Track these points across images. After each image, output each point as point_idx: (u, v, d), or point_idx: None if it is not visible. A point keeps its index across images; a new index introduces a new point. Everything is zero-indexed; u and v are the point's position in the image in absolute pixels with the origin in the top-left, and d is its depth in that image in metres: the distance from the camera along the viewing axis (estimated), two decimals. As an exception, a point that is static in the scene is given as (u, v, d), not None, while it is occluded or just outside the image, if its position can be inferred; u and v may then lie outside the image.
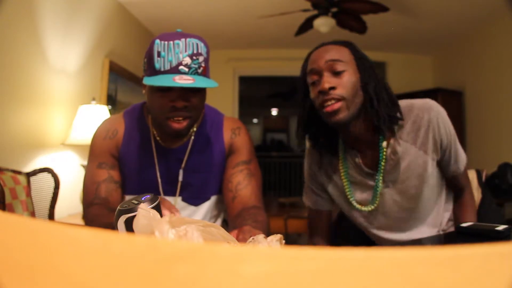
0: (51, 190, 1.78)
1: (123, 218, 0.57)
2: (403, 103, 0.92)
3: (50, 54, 2.11)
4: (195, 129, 1.01)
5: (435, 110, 0.89)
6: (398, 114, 0.88)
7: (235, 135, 1.03)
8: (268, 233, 0.78)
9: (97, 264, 0.16)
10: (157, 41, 0.84)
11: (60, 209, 1.91)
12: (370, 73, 0.87)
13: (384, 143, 0.90)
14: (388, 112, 0.86)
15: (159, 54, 0.83)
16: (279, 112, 10.36)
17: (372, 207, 0.95)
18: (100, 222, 0.83)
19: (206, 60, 0.87)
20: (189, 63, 0.83)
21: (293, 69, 5.50)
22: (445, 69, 4.26)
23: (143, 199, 0.60)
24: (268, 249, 0.38)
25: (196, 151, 1.00)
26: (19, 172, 1.64)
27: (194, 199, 1.00)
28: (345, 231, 1.25)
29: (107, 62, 2.79)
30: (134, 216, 0.53)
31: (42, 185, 1.75)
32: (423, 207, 0.96)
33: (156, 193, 0.94)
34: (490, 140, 3.38)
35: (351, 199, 0.97)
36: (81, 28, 2.47)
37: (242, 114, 4.78)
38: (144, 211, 0.51)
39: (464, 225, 0.83)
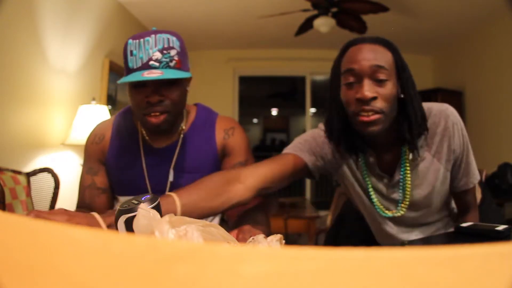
0: (51, 190, 1.79)
1: (123, 218, 0.57)
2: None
3: (50, 54, 2.11)
4: (184, 127, 1.00)
5: (452, 119, 0.85)
6: (426, 127, 0.85)
7: (229, 136, 1.01)
8: (268, 233, 0.78)
9: (97, 264, 0.16)
10: (130, 41, 0.86)
11: (60, 209, 1.91)
12: (410, 86, 0.81)
13: (406, 155, 0.87)
14: (419, 126, 0.83)
15: (131, 53, 0.84)
16: (279, 112, 10.36)
17: (400, 213, 0.92)
18: None
19: (180, 54, 0.87)
20: (159, 58, 0.83)
21: (293, 69, 5.46)
22: (445, 69, 4.26)
23: (143, 199, 0.60)
24: (268, 249, 0.38)
25: (186, 151, 0.99)
26: (19, 172, 1.64)
27: None
28: (343, 238, 1.23)
29: (107, 62, 2.79)
30: (134, 216, 0.53)
31: (42, 185, 1.75)
32: (429, 216, 0.96)
33: (144, 193, 0.95)
34: (490, 140, 3.38)
35: (375, 202, 0.94)
36: (81, 28, 2.47)
37: (242, 114, 4.78)
38: (144, 211, 0.51)
39: (464, 225, 0.83)
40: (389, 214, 0.94)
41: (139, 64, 0.83)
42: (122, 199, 1.01)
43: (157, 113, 0.86)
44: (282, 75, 5.16)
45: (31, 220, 0.20)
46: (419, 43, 4.01)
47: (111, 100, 2.90)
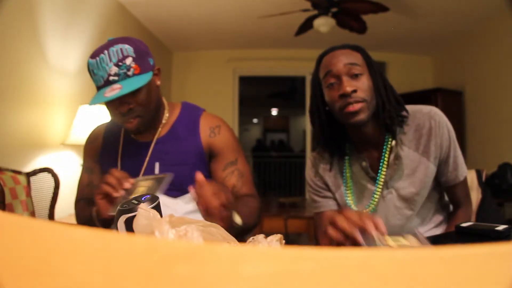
0: (51, 190, 1.78)
1: (123, 218, 0.57)
2: (407, 108, 0.96)
3: (50, 54, 2.11)
4: (164, 121, 1.03)
5: (436, 118, 0.93)
6: (404, 112, 0.94)
7: (215, 134, 1.03)
8: (265, 232, 0.78)
9: (97, 264, 0.16)
10: (90, 60, 0.91)
11: (60, 209, 1.91)
12: (380, 78, 0.92)
13: (389, 143, 0.93)
14: (397, 111, 0.92)
15: (93, 73, 0.91)
16: (279, 112, 10.36)
17: (368, 209, 0.96)
18: (82, 215, 1.00)
19: (137, 58, 0.91)
20: (117, 71, 0.89)
21: (293, 69, 5.47)
22: (445, 69, 4.26)
23: (143, 199, 0.61)
24: (268, 249, 0.38)
25: (170, 144, 1.02)
26: (19, 172, 1.64)
27: (171, 191, 0.99)
28: None
29: (107, 62, 2.79)
30: (134, 216, 0.53)
31: (42, 185, 1.75)
32: (421, 214, 0.98)
33: None
34: (490, 140, 3.38)
35: (348, 202, 0.98)
36: (81, 28, 2.47)
37: (242, 114, 4.78)
38: (144, 211, 0.51)
39: (464, 225, 0.83)
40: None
41: (102, 82, 0.90)
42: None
43: (131, 119, 0.94)
44: (282, 75, 5.16)
45: (31, 220, 0.20)
46: (419, 43, 4.01)
47: (111, 100, 2.90)
